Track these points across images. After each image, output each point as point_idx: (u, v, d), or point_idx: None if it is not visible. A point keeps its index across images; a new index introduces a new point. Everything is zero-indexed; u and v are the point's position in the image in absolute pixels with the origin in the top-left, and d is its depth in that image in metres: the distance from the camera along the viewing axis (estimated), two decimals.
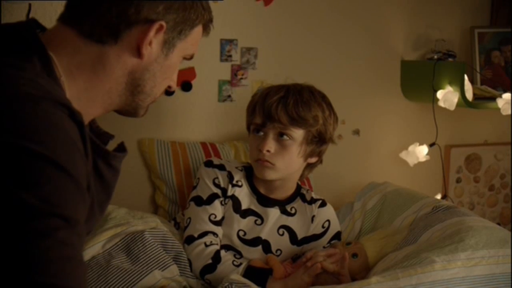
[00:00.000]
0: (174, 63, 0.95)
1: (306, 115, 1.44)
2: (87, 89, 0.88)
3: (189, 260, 1.42)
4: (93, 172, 0.83)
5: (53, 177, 0.69)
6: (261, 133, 1.48)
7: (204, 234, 1.44)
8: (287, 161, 1.46)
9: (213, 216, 1.47)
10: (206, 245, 1.42)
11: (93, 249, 1.31)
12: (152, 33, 0.87)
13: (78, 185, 0.73)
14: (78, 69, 0.86)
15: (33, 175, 0.67)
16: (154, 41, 0.89)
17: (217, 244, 1.45)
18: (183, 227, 1.51)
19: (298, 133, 1.45)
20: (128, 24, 0.86)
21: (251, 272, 1.38)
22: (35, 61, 0.80)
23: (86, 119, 0.87)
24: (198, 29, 0.96)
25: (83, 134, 0.77)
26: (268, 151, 1.45)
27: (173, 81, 1.00)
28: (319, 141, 1.49)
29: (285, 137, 1.45)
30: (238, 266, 1.39)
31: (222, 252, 1.43)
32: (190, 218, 1.48)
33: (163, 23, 0.88)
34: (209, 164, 1.55)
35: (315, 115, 1.45)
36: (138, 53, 0.88)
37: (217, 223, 1.48)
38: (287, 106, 1.44)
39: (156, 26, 0.87)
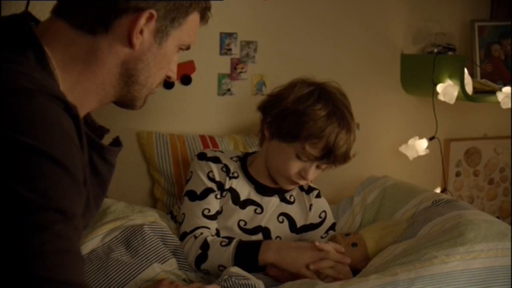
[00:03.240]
0: (169, 53, 0.93)
1: (349, 156, 1.47)
2: (81, 82, 0.87)
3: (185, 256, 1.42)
4: (88, 166, 0.83)
5: (49, 171, 0.69)
6: (308, 162, 1.45)
7: (196, 229, 1.44)
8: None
9: (207, 210, 1.46)
10: (195, 237, 1.41)
11: (92, 242, 1.31)
12: (142, 21, 0.86)
13: (74, 179, 0.73)
14: (72, 62, 0.86)
15: (29, 169, 0.67)
16: (145, 30, 0.87)
17: (209, 235, 1.43)
18: (179, 222, 1.50)
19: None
20: (118, 13, 0.85)
21: (242, 248, 1.37)
22: (30, 55, 0.80)
23: (81, 112, 0.86)
24: (194, 17, 0.93)
25: (78, 128, 0.77)
26: (305, 177, 1.47)
27: (172, 72, 0.97)
28: None
29: (323, 167, 1.48)
30: (227, 245, 1.37)
31: (209, 238, 1.40)
32: (184, 214, 1.48)
33: (153, 11, 0.86)
34: (202, 156, 1.52)
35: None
36: (130, 43, 0.87)
37: (211, 217, 1.47)
38: (346, 153, 1.45)
39: (146, 14, 0.85)
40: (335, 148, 1.41)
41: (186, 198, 1.49)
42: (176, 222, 1.56)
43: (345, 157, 1.46)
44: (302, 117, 1.41)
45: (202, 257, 1.39)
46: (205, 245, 1.39)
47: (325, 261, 1.37)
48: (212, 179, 1.49)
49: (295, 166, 1.45)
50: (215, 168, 1.50)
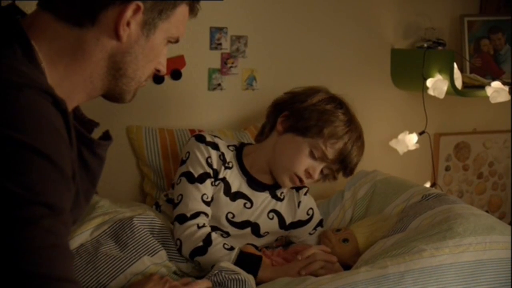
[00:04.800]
0: (157, 45, 0.92)
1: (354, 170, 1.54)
2: (68, 75, 0.86)
3: (179, 239, 1.39)
4: (77, 160, 0.82)
5: (37, 165, 0.68)
6: (318, 161, 1.48)
7: (197, 214, 1.41)
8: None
9: (205, 196, 1.44)
10: (199, 227, 1.39)
11: (81, 236, 1.30)
12: (128, 13, 0.84)
13: (62, 174, 0.72)
14: (58, 55, 0.84)
15: (17, 164, 0.67)
16: (132, 22, 0.86)
17: (208, 226, 1.43)
18: (174, 203, 1.46)
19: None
20: (104, 5, 0.84)
21: (243, 259, 1.37)
22: (17, 48, 0.79)
23: (70, 106, 0.85)
24: (182, 9, 0.92)
25: (67, 122, 0.77)
26: (311, 175, 1.48)
27: (161, 65, 0.96)
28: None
29: (327, 175, 1.52)
30: (229, 249, 1.38)
31: (213, 235, 1.40)
32: (181, 195, 1.44)
33: (140, 3, 0.85)
34: (201, 139, 1.49)
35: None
36: (116, 35, 0.85)
37: (208, 204, 1.46)
38: (355, 167, 1.52)
39: (132, 6, 0.84)
40: (349, 156, 1.47)
41: (183, 179, 1.45)
42: (161, 212, 1.55)
43: (352, 170, 1.52)
44: (327, 116, 1.45)
45: (201, 250, 1.37)
46: (207, 240, 1.38)
47: (314, 263, 1.40)
48: (210, 165, 1.46)
49: (305, 162, 1.47)
50: (214, 154, 1.48)
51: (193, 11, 0.95)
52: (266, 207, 1.54)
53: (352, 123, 1.49)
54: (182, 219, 1.41)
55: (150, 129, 1.75)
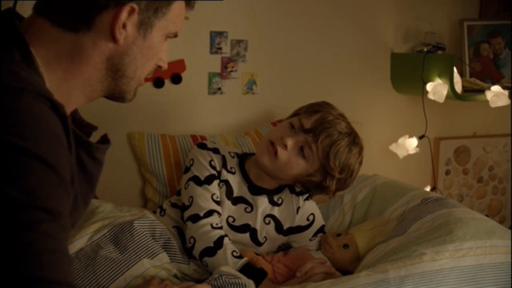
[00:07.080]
0: (156, 44, 0.91)
1: (335, 162, 1.46)
2: (67, 79, 0.86)
3: (193, 237, 1.41)
4: (76, 164, 0.82)
5: (35, 170, 0.68)
6: (294, 131, 1.48)
7: (210, 213, 1.43)
8: (287, 167, 1.47)
9: (215, 195, 1.47)
10: (213, 227, 1.41)
11: (80, 241, 1.30)
12: (123, 15, 0.84)
13: (61, 178, 0.72)
14: (56, 59, 0.84)
15: (16, 168, 0.67)
16: (128, 23, 0.85)
17: (221, 228, 1.44)
18: (184, 205, 1.48)
19: (315, 160, 1.46)
20: (98, 9, 0.84)
21: (248, 270, 1.37)
22: (15, 52, 0.79)
23: (69, 109, 0.85)
24: (178, 4, 0.91)
25: (65, 127, 0.77)
26: (286, 146, 1.45)
27: (162, 61, 0.96)
28: (317, 185, 1.52)
29: (305, 151, 1.46)
30: (237, 257, 1.38)
31: (226, 240, 1.41)
32: (192, 197, 1.47)
33: (134, 5, 0.84)
34: (203, 146, 1.54)
35: (339, 168, 1.47)
36: (113, 38, 0.85)
37: (218, 203, 1.48)
38: (345, 166, 1.48)
39: (127, 8, 0.84)
40: (334, 146, 1.45)
41: (191, 183, 1.49)
42: (163, 216, 1.55)
43: (342, 169, 1.48)
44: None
45: (210, 251, 1.38)
46: (219, 243, 1.39)
47: (313, 277, 1.39)
48: (214, 167, 1.51)
49: (282, 129, 1.50)
50: (215, 157, 1.52)
51: (189, 4, 0.95)
52: (263, 212, 1.54)
53: (353, 135, 1.51)
54: (196, 218, 1.43)
55: (153, 135, 1.75)
